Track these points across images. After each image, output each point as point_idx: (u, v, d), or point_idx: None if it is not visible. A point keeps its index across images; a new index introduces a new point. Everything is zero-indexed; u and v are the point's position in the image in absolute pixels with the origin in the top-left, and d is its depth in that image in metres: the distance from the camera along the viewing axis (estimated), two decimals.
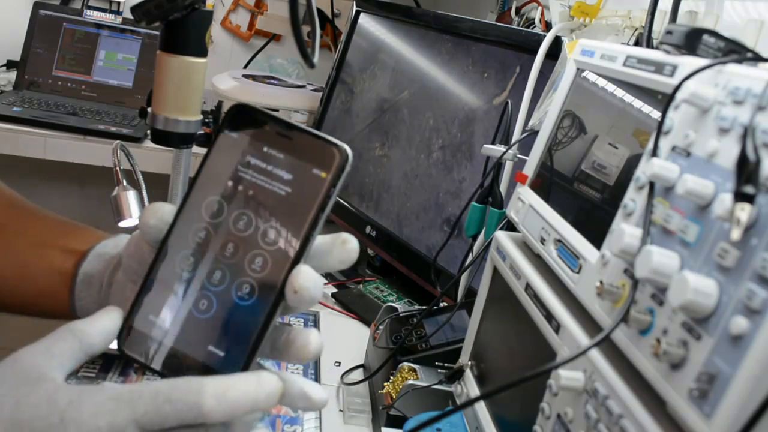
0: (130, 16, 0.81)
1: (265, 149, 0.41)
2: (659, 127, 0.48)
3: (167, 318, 0.41)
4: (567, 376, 0.49)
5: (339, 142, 0.40)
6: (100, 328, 0.40)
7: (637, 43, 0.90)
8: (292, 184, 0.40)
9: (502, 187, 0.92)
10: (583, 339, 0.50)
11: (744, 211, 0.36)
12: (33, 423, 0.35)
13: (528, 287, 0.61)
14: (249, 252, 0.40)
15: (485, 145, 0.89)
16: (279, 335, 0.41)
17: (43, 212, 0.59)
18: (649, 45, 0.79)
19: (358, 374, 0.96)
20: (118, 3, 1.94)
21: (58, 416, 0.35)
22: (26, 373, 0.37)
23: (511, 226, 0.73)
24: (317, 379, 0.91)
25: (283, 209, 0.40)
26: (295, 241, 0.39)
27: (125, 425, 0.35)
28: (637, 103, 0.55)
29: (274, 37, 2.16)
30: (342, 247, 0.41)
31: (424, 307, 0.99)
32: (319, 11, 1.93)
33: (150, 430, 0.36)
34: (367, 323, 1.10)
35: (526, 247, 0.67)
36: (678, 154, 0.45)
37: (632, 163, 0.53)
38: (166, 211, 0.42)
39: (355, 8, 1.50)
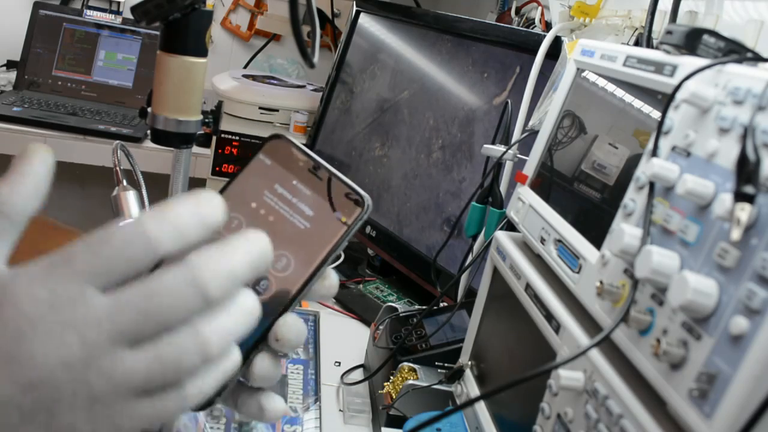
0: (130, 16, 0.81)
1: (294, 182, 0.42)
2: (659, 127, 0.48)
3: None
4: (567, 376, 0.49)
5: (363, 193, 0.42)
6: (26, 192, 0.35)
7: (637, 43, 0.90)
8: (312, 220, 0.41)
9: (502, 187, 0.92)
10: (583, 339, 0.50)
11: (744, 211, 0.36)
12: None
13: (528, 287, 0.61)
14: None
15: (485, 145, 0.89)
16: (241, 391, 0.42)
17: None
18: (649, 45, 0.79)
19: (358, 374, 0.96)
20: (118, 3, 1.94)
21: None
22: None
23: (511, 226, 0.73)
24: (317, 379, 0.91)
25: (299, 242, 0.41)
26: (303, 275, 0.41)
27: (67, 284, 0.31)
28: (637, 103, 0.55)
29: (274, 37, 2.16)
30: (321, 284, 0.41)
31: (424, 307, 0.98)
32: (319, 11, 1.93)
33: (100, 283, 0.32)
34: (367, 323, 1.10)
35: (526, 247, 0.67)
36: (678, 154, 0.45)
37: (632, 163, 0.53)
38: None
39: (355, 8, 1.50)
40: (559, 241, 0.59)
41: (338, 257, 0.43)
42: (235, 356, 0.36)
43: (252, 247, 0.35)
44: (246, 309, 0.35)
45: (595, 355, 0.47)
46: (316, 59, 0.58)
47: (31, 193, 0.35)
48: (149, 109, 0.81)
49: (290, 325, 0.40)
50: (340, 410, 0.88)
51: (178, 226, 0.33)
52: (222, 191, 0.43)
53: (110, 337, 0.31)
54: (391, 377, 0.83)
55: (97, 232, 0.32)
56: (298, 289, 0.41)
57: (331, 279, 0.42)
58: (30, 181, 0.35)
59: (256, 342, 0.39)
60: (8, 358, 0.31)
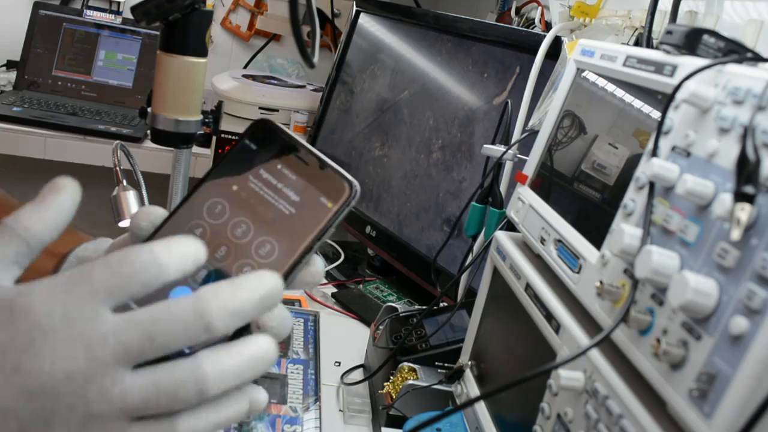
0: (130, 16, 0.81)
1: (279, 167, 0.41)
2: (659, 127, 0.48)
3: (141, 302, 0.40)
4: (567, 376, 0.49)
5: (351, 178, 0.41)
6: (49, 222, 0.36)
7: (637, 43, 0.90)
8: (298, 206, 0.41)
9: (502, 187, 0.92)
10: (583, 339, 0.50)
11: (744, 211, 0.36)
12: None
13: (528, 287, 0.61)
14: (240, 259, 0.40)
15: (485, 145, 0.89)
16: None
17: None
18: (649, 45, 0.79)
19: (358, 374, 0.96)
20: (118, 3, 1.94)
21: (7, 311, 0.32)
22: None
23: (511, 226, 0.73)
24: (317, 379, 0.91)
25: (283, 228, 0.40)
26: (287, 261, 0.40)
27: (83, 301, 0.32)
28: (637, 103, 0.55)
29: (274, 37, 2.16)
30: (306, 270, 0.40)
31: (424, 307, 0.99)
32: (319, 11, 1.93)
33: (113, 303, 0.33)
34: (367, 323, 1.10)
35: (526, 247, 0.67)
36: (678, 154, 0.45)
37: (632, 163, 0.53)
38: (158, 214, 0.42)
39: (355, 8, 1.50)
40: (559, 241, 0.59)
41: (339, 254, 0.42)
42: (241, 405, 0.36)
43: (262, 288, 0.35)
44: (254, 353, 0.35)
45: (595, 355, 0.47)
46: (316, 59, 0.58)
47: (51, 223, 0.36)
48: (149, 109, 0.81)
49: (273, 313, 0.38)
50: (340, 410, 0.88)
51: (183, 254, 0.34)
52: (206, 176, 0.42)
53: (114, 355, 0.32)
54: (391, 377, 0.83)
55: (116, 253, 0.33)
56: (282, 276, 0.39)
57: (316, 266, 0.41)
58: (53, 213, 0.36)
59: (238, 331, 0.38)
60: (15, 367, 0.31)
